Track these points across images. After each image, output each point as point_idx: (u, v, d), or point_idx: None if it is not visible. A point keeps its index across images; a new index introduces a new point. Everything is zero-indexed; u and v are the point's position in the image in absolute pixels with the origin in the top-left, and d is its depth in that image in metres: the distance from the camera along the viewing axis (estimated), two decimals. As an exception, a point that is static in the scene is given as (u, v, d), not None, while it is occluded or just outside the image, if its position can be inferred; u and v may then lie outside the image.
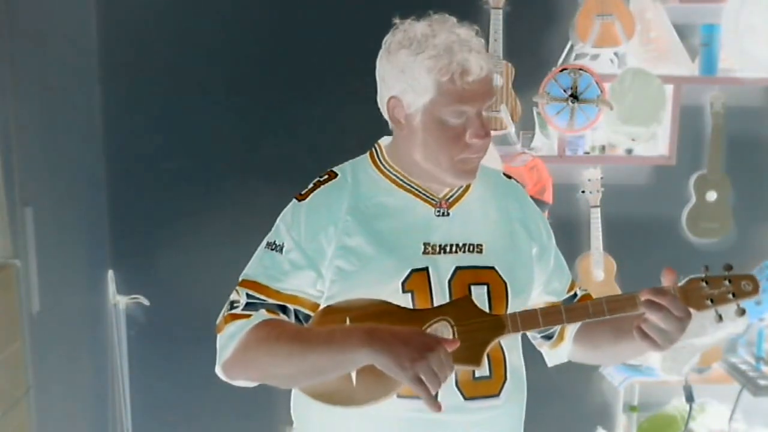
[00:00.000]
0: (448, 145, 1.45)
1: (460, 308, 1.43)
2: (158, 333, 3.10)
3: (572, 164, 3.06)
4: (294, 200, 1.55)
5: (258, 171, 3.04)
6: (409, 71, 1.43)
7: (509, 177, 1.69)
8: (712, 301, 1.43)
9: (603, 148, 3.07)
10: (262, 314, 1.46)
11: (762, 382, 2.86)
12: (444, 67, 1.40)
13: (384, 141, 1.59)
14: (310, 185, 1.55)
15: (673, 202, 3.19)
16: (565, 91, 2.90)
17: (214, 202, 3.05)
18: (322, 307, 1.49)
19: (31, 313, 2.21)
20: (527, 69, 2.97)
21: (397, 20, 1.49)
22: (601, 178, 3.05)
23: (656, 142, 3.06)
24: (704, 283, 1.44)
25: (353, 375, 1.42)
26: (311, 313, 1.49)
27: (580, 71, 2.90)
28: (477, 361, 1.41)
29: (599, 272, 3.09)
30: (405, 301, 1.45)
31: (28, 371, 2.15)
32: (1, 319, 2.01)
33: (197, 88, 2.99)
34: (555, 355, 1.69)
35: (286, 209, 1.55)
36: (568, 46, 3.00)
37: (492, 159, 2.88)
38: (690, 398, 2.80)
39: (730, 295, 1.43)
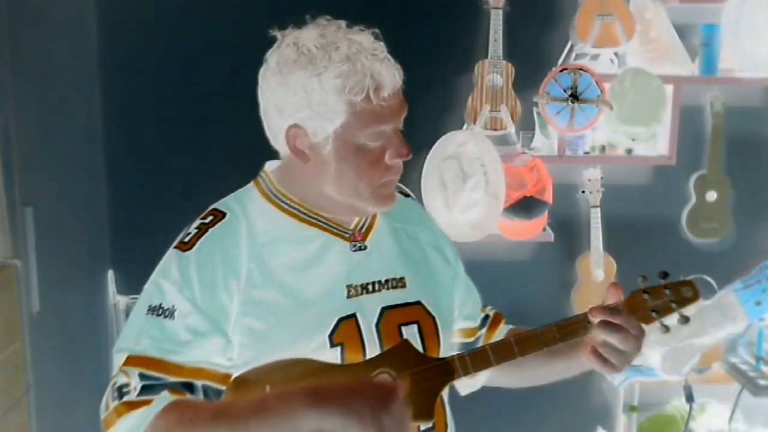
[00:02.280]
0: (368, 172, 1.25)
1: (399, 356, 1.25)
2: (158, 333, 3.10)
3: (572, 164, 3.06)
4: (174, 251, 1.28)
5: (258, 171, 3.03)
6: (312, 95, 1.21)
7: (406, 195, 1.50)
8: (657, 312, 1.34)
9: (603, 148, 3.07)
10: (166, 396, 1.17)
11: (762, 382, 2.86)
12: (356, 85, 1.19)
13: (270, 167, 1.39)
14: (192, 230, 1.29)
15: (673, 202, 3.19)
16: (565, 91, 2.90)
17: (214, 202, 3.04)
18: (233, 378, 1.23)
19: (31, 313, 2.20)
20: (527, 69, 2.97)
21: (277, 33, 1.30)
22: (601, 178, 3.05)
23: (656, 142, 3.07)
24: (646, 295, 1.35)
25: None
26: (223, 387, 1.23)
27: (580, 71, 2.90)
28: (429, 415, 1.26)
29: (599, 272, 3.08)
30: (333, 356, 1.24)
31: (28, 371, 2.15)
32: (1, 319, 2.01)
33: (197, 88, 2.99)
34: (470, 383, 1.50)
35: (164, 263, 1.27)
36: (568, 46, 3.00)
37: (492, 159, 2.89)
38: (690, 398, 2.80)
39: (673, 304, 1.35)
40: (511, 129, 2.98)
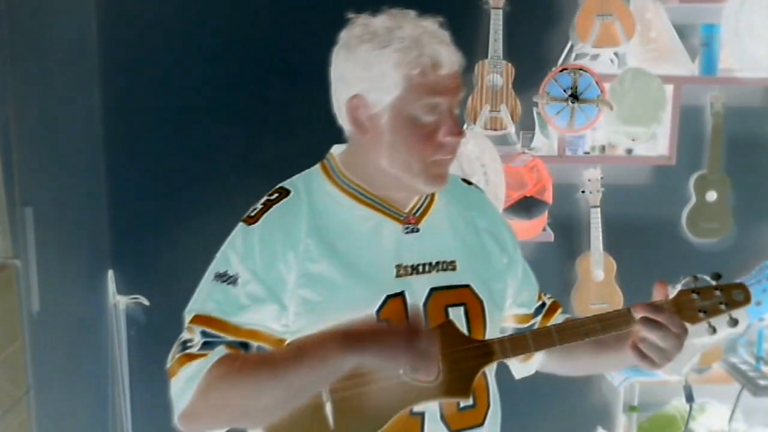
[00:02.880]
0: (420, 146, 1.32)
1: (443, 335, 1.30)
2: (158, 333, 3.09)
3: (572, 164, 3.06)
4: (241, 224, 1.39)
5: (258, 171, 3.04)
6: (373, 67, 1.30)
7: (469, 183, 1.58)
8: (705, 312, 1.36)
9: (603, 148, 3.07)
10: (222, 350, 1.29)
11: (762, 382, 2.86)
12: (413, 60, 1.28)
13: (336, 150, 1.47)
14: (259, 205, 1.40)
15: (673, 202, 3.19)
16: (565, 91, 2.90)
17: (214, 202, 3.05)
18: (287, 343, 1.34)
19: (31, 313, 2.21)
20: (527, 69, 2.97)
21: (351, 15, 1.38)
22: (601, 178, 3.05)
23: (656, 142, 3.06)
24: (695, 295, 1.37)
25: (330, 417, 1.29)
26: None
27: (580, 71, 2.90)
28: (466, 393, 1.32)
29: (599, 272, 3.08)
30: None
31: (28, 371, 2.15)
32: (1, 319, 2.01)
33: (197, 88, 2.99)
34: (524, 368, 1.58)
35: (233, 235, 1.39)
36: (568, 46, 3.00)
37: (492, 159, 2.89)
38: (690, 398, 2.80)
39: (723, 306, 1.37)
40: (511, 129, 2.98)
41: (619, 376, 3.05)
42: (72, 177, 2.70)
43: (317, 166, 1.47)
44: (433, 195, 1.45)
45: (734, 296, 1.37)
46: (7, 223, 2.06)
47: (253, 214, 1.38)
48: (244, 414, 1.29)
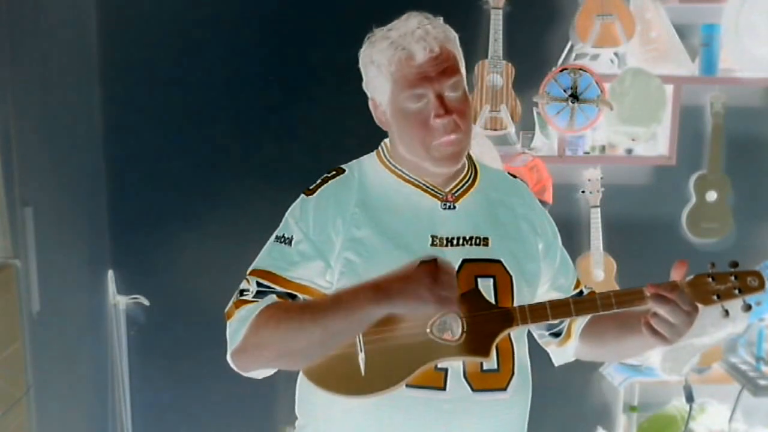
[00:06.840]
0: (416, 133, 1.47)
1: (469, 301, 1.44)
2: (158, 333, 3.10)
3: (572, 164, 3.06)
4: (302, 195, 1.57)
5: (258, 171, 3.04)
6: (369, 71, 1.50)
7: (514, 176, 1.72)
8: (718, 296, 1.44)
9: (603, 148, 3.07)
10: (272, 298, 1.47)
11: (762, 382, 2.87)
12: (390, 58, 1.45)
13: (388, 140, 1.63)
14: (318, 181, 1.57)
15: (673, 202, 3.19)
16: (565, 91, 2.90)
17: (214, 202, 3.05)
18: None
19: (31, 313, 2.21)
20: (527, 69, 2.97)
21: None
22: (601, 178, 3.05)
23: (656, 142, 3.07)
24: (711, 279, 1.45)
25: (362, 365, 1.43)
26: None
27: (580, 71, 2.90)
28: (486, 353, 1.43)
29: (599, 272, 3.08)
30: None
31: (28, 371, 2.15)
32: (1, 319, 2.01)
33: (197, 89, 2.99)
34: (562, 353, 1.70)
35: (294, 204, 1.57)
36: (568, 46, 3.00)
37: (492, 159, 2.88)
38: (690, 398, 2.80)
39: (736, 291, 1.44)
40: (511, 129, 2.98)
41: (619, 376, 3.05)
42: (72, 177, 2.70)
43: (373, 153, 1.62)
44: (474, 179, 1.59)
45: (749, 282, 1.45)
46: (7, 223, 2.06)
47: (311, 187, 1.57)
48: (286, 353, 1.46)
